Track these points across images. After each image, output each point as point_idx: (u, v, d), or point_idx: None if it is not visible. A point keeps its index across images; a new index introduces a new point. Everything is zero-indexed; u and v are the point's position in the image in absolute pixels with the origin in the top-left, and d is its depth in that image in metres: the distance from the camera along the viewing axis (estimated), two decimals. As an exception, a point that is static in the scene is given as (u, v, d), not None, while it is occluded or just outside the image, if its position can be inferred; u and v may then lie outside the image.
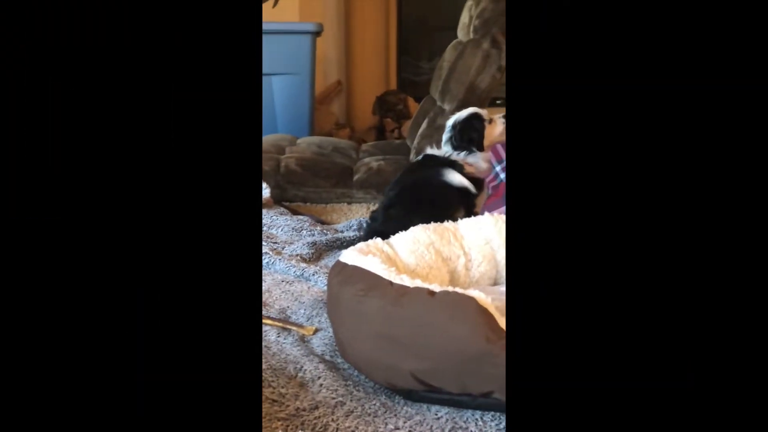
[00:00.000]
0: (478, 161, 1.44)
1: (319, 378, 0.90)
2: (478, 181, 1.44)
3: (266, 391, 0.86)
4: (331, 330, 1.03)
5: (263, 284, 1.25)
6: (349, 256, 1.00)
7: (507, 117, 0.51)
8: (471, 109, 1.48)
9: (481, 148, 1.44)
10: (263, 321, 1.08)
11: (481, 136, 1.43)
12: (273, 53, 2.41)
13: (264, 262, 1.36)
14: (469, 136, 1.43)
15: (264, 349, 0.99)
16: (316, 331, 1.06)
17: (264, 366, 0.93)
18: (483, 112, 1.46)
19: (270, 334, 1.04)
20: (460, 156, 1.43)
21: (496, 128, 1.46)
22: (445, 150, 1.46)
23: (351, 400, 0.85)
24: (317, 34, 2.44)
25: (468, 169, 1.43)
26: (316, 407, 0.83)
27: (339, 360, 0.96)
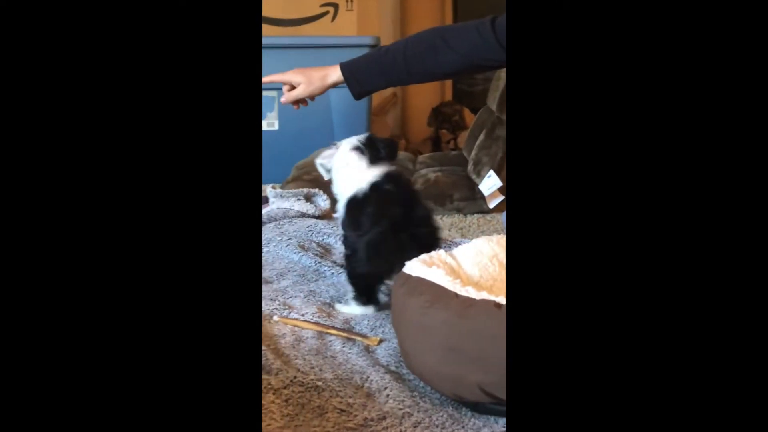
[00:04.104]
0: None
1: (386, 388, 0.91)
2: None
3: (334, 401, 0.87)
4: (395, 340, 1.04)
5: (327, 295, 1.27)
6: (413, 267, 1.01)
7: (507, 118, 0.56)
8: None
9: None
10: (328, 331, 1.10)
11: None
12: (331, 66, 2.45)
13: (328, 273, 1.38)
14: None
15: (329, 359, 1.01)
16: (381, 341, 1.07)
17: (330, 375, 0.95)
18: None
19: (335, 344, 1.06)
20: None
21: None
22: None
23: (418, 411, 0.86)
24: (374, 46, 2.47)
25: None
26: (384, 418, 0.84)
27: (404, 371, 0.97)
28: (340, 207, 1.26)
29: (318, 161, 1.31)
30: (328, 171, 1.29)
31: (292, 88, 1.37)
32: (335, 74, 1.34)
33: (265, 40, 2.34)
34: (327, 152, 1.30)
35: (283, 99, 1.39)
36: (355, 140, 1.28)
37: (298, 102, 1.38)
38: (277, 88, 2.31)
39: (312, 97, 1.37)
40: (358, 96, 1.36)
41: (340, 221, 1.27)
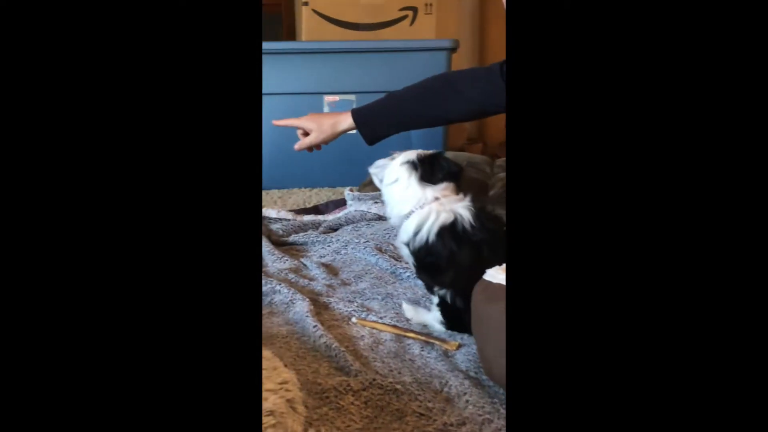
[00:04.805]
0: None
1: (465, 394, 0.90)
2: None
3: (413, 405, 0.87)
4: (473, 346, 1.03)
5: (404, 298, 1.27)
6: (493, 274, 1.00)
7: (507, 112, 0.58)
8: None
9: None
10: (406, 334, 1.10)
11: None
12: (410, 70, 2.45)
13: (404, 276, 1.39)
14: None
15: (408, 362, 1.01)
16: (460, 346, 1.06)
17: (409, 379, 0.95)
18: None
19: (413, 347, 1.06)
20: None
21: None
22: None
23: (498, 418, 0.85)
24: (453, 50, 2.46)
25: None
26: (464, 423, 0.83)
27: (484, 377, 0.96)
28: (399, 228, 1.16)
29: (371, 170, 1.22)
30: (381, 182, 1.21)
31: (306, 133, 1.48)
32: (346, 122, 1.44)
33: (345, 45, 2.39)
34: (380, 162, 1.21)
35: (296, 146, 1.49)
36: (412, 154, 1.16)
37: (311, 147, 1.49)
38: (356, 92, 2.33)
39: (326, 142, 1.48)
40: (370, 142, 1.45)
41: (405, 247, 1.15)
